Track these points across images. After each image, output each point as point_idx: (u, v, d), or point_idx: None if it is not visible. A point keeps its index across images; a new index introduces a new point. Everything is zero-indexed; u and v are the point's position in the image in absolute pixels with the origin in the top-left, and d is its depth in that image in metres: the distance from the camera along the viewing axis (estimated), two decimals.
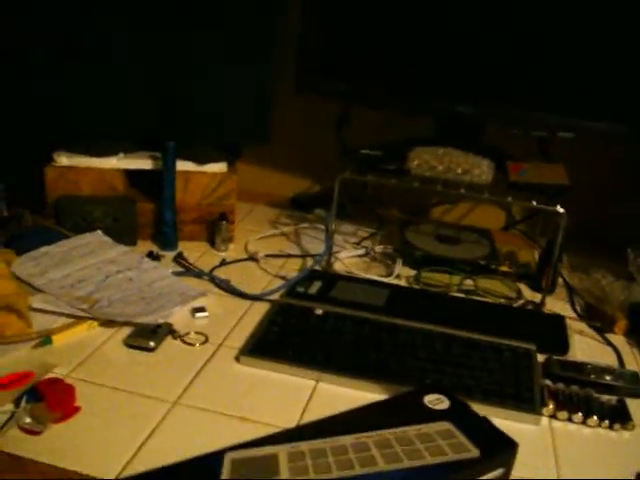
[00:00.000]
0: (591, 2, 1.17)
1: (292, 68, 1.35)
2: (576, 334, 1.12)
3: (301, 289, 1.14)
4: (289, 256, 1.31)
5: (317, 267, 1.23)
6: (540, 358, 1.01)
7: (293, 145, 1.53)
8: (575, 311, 1.20)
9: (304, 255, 1.32)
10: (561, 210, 1.12)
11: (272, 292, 1.14)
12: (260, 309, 1.09)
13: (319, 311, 1.06)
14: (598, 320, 1.16)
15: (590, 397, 0.93)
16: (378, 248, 1.35)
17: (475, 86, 1.26)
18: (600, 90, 1.22)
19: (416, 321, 1.05)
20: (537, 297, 1.21)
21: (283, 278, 1.21)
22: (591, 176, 1.38)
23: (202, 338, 1.00)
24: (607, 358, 1.06)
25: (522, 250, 1.40)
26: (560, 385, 0.95)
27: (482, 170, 1.21)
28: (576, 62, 1.21)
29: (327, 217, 1.20)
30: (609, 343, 1.11)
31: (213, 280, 1.17)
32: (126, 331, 0.99)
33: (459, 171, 1.21)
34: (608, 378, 0.97)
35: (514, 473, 0.77)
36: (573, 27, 1.19)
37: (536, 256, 1.37)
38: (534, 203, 1.13)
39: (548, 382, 0.96)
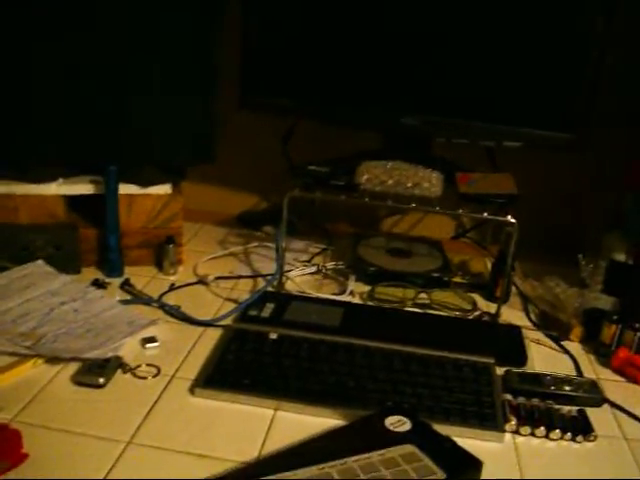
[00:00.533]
0: (531, 17, 1.18)
1: (236, 83, 1.32)
2: (533, 343, 1.12)
3: (254, 312, 1.11)
4: (240, 277, 1.28)
5: (269, 288, 1.20)
6: (499, 371, 1.00)
7: (238, 161, 1.50)
8: (530, 320, 1.20)
9: (255, 275, 1.29)
10: (512, 220, 1.11)
11: (224, 317, 1.11)
12: (213, 335, 1.06)
13: (273, 335, 1.03)
14: (554, 328, 1.16)
15: (551, 410, 0.92)
16: (330, 265, 1.33)
17: (420, 98, 1.26)
18: (545, 99, 1.22)
19: (372, 340, 1.04)
20: (492, 307, 1.21)
21: (235, 301, 1.17)
22: (540, 183, 1.38)
23: (154, 370, 0.96)
24: (565, 367, 1.07)
25: (474, 259, 1.40)
26: (521, 399, 0.94)
27: (432, 183, 1.20)
28: (518, 72, 1.21)
29: (277, 236, 1.18)
30: (566, 351, 1.11)
31: (163, 307, 1.13)
32: (74, 367, 0.95)
33: (409, 184, 1.19)
34: (567, 389, 0.97)
35: None
36: (513, 40, 1.19)
37: (488, 265, 1.37)
38: (485, 214, 1.13)
39: (509, 397, 0.95)
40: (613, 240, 1.22)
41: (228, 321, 1.11)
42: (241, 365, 0.96)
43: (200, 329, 1.08)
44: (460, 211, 1.14)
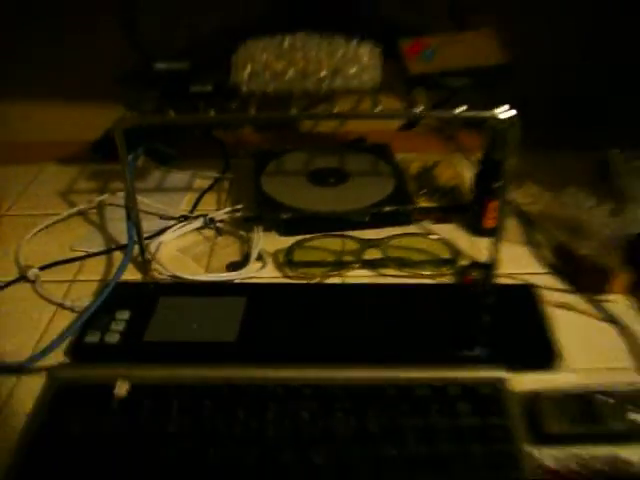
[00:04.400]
0: None
1: None
2: (556, 309, 0.69)
3: (94, 337, 0.66)
4: (84, 259, 0.81)
5: (124, 275, 0.75)
6: (518, 381, 0.58)
7: (84, 67, 1.00)
8: (537, 257, 0.77)
9: (110, 250, 0.82)
10: (510, 112, 0.65)
11: (50, 350, 0.66)
12: (29, 392, 0.61)
13: (122, 389, 0.59)
14: (580, 273, 0.73)
15: (616, 461, 0.51)
16: (223, 213, 0.86)
17: None
18: None
19: (298, 364, 0.60)
20: (479, 245, 0.77)
21: (73, 311, 0.72)
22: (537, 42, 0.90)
23: None
24: (617, 353, 0.65)
25: (441, 163, 0.94)
26: (564, 452, 0.53)
27: (362, 65, 0.72)
28: None
29: (125, 194, 0.71)
30: (610, 319, 0.68)
31: None
32: None
33: (323, 73, 0.72)
34: (636, 417, 0.55)
35: None
36: None
37: (464, 171, 0.92)
38: (463, 108, 0.65)
39: (544, 453, 0.53)
40: None
41: (58, 356, 0.66)
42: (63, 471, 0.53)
43: (9, 381, 0.63)
44: (419, 109, 0.66)
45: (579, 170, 0.89)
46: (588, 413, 0.55)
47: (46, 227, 0.87)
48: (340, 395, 0.57)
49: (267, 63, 0.71)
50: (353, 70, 0.71)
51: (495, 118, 0.64)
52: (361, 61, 0.71)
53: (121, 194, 0.89)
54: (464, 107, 0.65)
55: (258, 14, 0.79)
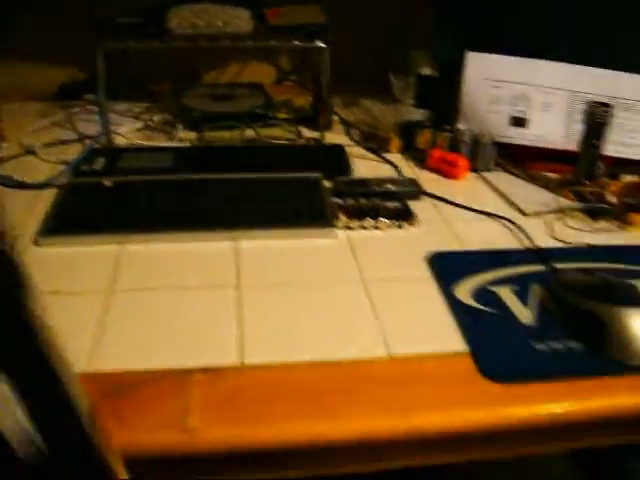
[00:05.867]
0: None
1: None
2: (357, 159, 1.20)
3: (86, 167, 1.12)
4: (68, 142, 1.26)
5: (98, 146, 1.20)
6: (328, 185, 1.08)
7: (44, 34, 1.45)
8: (354, 141, 1.28)
9: (83, 137, 1.28)
10: (322, 45, 1.17)
11: (57, 176, 1.11)
12: (50, 197, 1.06)
13: (108, 183, 1.05)
14: (375, 145, 1.25)
15: (377, 205, 1.01)
16: (157, 117, 1.34)
17: None
18: None
19: (207, 173, 1.08)
20: (317, 135, 1.28)
21: (66, 163, 1.17)
22: (348, 12, 1.43)
23: None
24: (387, 174, 1.16)
25: (297, 97, 1.45)
26: (349, 200, 1.02)
27: (242, 20, 1.22)
28: None
29: (97, 93, 1.17)
30: (387, 161, 1.20)
31: None
32: None
33: (220, 24, 1.21)
34: (390, 186, 1.06)
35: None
36: None
37: (309, 99, 1.43)
38: (296, 42, 1.17)
39: (338, 200, 1.03)
40: (419, 57, 1.30)
41: (63, 181, 1.11)
42: (81, 212, 0.98)
43: (36, 192, 1.08)
44: (272, 42, 1.17)
45: (371, 90, 1.41)
46: (363, 184, 1.06)
47: (34, 130, 1.31)
48: (235, 182, 1.06)
49: (187, 17, 1.21)
50: (237, 22, 1.21)
51: (316, 46, 1.16)
52: (241, 17, 1.22)
53: (80, 111, 1.36)
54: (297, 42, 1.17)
55: None
